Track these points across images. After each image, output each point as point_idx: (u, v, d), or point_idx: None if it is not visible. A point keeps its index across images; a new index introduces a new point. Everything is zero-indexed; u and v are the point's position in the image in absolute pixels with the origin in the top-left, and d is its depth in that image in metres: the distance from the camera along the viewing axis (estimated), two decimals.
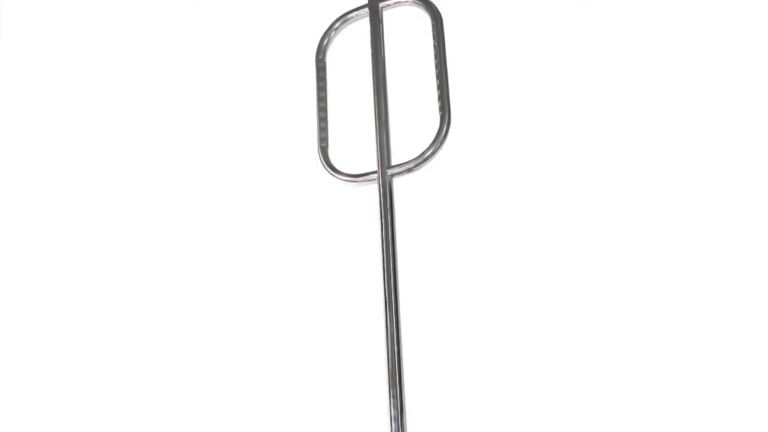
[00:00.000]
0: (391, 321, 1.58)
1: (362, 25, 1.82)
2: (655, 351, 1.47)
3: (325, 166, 1.76)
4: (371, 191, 1.70)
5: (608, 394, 1.48)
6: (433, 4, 1.75)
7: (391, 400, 1.54)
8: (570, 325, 1.53)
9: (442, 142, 1.66)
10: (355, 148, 1.76)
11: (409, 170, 1.68)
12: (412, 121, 1.73)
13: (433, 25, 1.73)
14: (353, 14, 1.85)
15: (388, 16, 1.81)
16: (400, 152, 1.70)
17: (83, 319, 1.86)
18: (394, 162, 1.70)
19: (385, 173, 1.68)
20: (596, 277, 1.54)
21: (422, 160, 1.66)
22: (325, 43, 1.87)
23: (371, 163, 1.71)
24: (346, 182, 1.74)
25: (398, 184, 1.69)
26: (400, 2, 1.81)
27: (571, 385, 1.50)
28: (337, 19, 1.86)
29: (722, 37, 1.57)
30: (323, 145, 1.78)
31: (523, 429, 1.51)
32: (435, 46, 1.72)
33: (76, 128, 2.00)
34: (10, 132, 2.04)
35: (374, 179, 1.69)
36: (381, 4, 1.81)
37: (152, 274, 1.86)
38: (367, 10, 1.82)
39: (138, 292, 1.86)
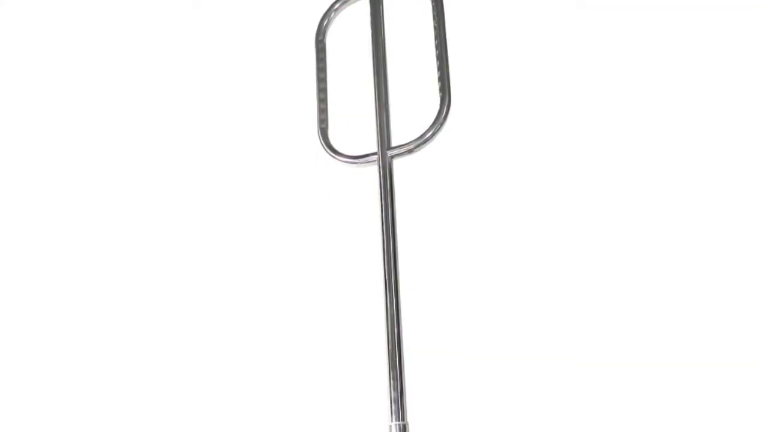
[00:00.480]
0: (391, 303, 1.57)
1: (362, 6, 1.81)
2: (651, 327, 1.47)
3: (325, 147, 1.75)
4: (371, 173, 1.70)
5: (605, 379, 1.48)
6: None
7: (391, 382, 1.53)
8: (569, 309, 1.53)
9: (442, 124, 1.65)
10: (355, 129, 1.76)
11: (409, 151, 1.67)
12: (413, 103, 1.72)
13: (433, 6, 1.72)
14: None
15: None
16: (401, 133, 1.70)
17: (84, 317, 1.86)
18: (394, 143, 1.69)
19: (385, 154, 1.68)
20: (594, 260, 1.54)
21: (422, 141, 1.66)
22: (324, 24, 1.86)
23: (371, 145, 1.70)
24: (346, 164, 1.73)
25: (398, 165, 1.69)
26: None
27: (569, 368, 1.50)
28: (337, 0, 1.85)
29: (721, 36, 1.57)
30: (323, 126, 1.77)
31: (523, 414, 1.51)
32: (435, 27, 1.71)
33: (76, 122, 2.00)
34: (10, 132, 2.04)
35: (374, 161, 1.69)
36: None
37: (152, 252, 1.87)
38: None
39: (136, 267, 1.87)
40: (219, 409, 1.72)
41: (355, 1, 1.84)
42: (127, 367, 1.79)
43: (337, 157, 1.74)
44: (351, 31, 1.83)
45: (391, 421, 1.51)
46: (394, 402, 1.52)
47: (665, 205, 1.53)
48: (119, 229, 1.91)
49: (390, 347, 1.55)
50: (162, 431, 1.73)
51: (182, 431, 1.72)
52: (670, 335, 1.46)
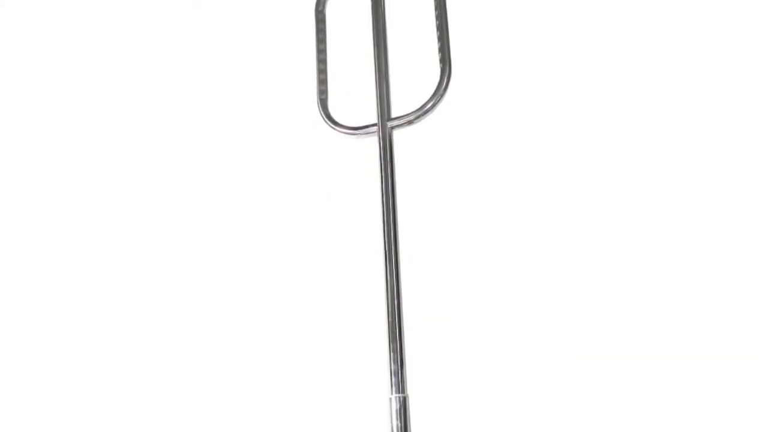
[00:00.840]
0: (391, 275, 1.57)
1: None
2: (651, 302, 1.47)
3: (325, 118, 1.74)
4: (371, 144, 1.69)
5: (605, 348, 1.48)
6: None
7: (391, 354, 1.53)
8: (571, 277, 1.52)
9: (442, 95, 1.64)
10: (355, 100, 1.74)
11: (410, 122, 1.66)
12: (413, 74, 1.71)
13: None
14: None
15: None
16: (401, 105, 1.68)
17: (83, 317, 1.85)
18: (394, 114, 1.68)
19: (385, 126, 1.67)
20: (594, 232, 1.53)
21: (422, 112, 1.64)
22: None
23: (371, 116, 1.69)
24: (346, 135, 1.72)
25: (398, 136, 1.68)
26: None
27: (573, 336, 1.50)
28: None
29: (721, 32, 1.55)
30: (323, 97, 1.76)
31: (525, 389, 1.50)
32: None
33: (74, 117, 1.98)
34: (9, 132, 2.03)
35: (374, 132, 1.68)
36: None
37: (152, 231, 1.86)
38: None
39: (137, 256, 1.85)
40: (219, 386, 1.71)
41: None
42: (127, 364, 1.78)
43: (336, 128, 1.72)
44: (351, 1, 1.82)
45: (392, 393, 1.50)
46: (394, 374, 1.52)
47: (670, 178, 1.52)
48: (113, 205, 1.90)
49: (390, 319, 1.55)
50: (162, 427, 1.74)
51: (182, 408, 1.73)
52: (669, 322, 1.45)
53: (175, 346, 1.76)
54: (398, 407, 1.49)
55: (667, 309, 1.46)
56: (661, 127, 1.54)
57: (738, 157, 1.48)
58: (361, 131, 1.70)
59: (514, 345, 1.53)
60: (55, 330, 1.85)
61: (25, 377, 1.84)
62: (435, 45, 1.68)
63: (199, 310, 1.77)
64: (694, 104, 1.53)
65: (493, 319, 1.55)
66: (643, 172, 1.53)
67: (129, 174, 1.91)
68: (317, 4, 1.83)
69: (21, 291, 1.90)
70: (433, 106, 1.64)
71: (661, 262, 1.48)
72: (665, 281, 1.47)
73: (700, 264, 1.46)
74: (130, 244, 1.86)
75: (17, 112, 2.02)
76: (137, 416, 1.74)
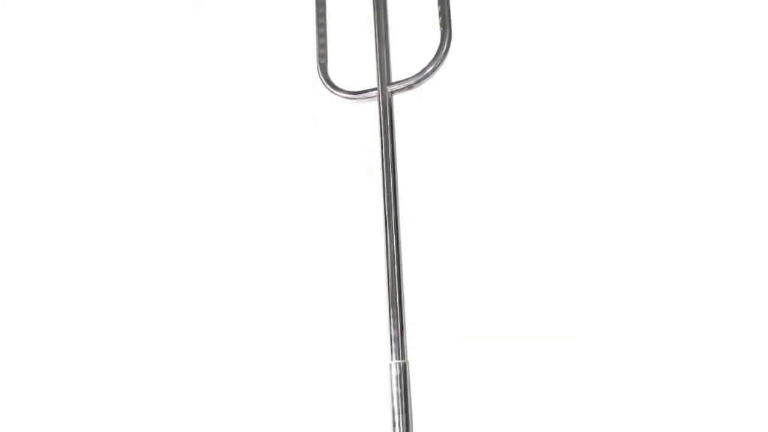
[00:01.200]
0: (391, 240, 1.56)
1: None
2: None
3: (325, 83, 1.73)
4: (371, 108, 1.68)
5: (606, 314, 1.48)
6: None
7: (391, 320, 1.52)
8: (572, 240, 1.51)
9: (442, 60, 1.63)
10: (355, 64, 1.73)
11: (410, 87, 1.65)
12: (413, 38, 1.69)
13: None
14: None
15: None
16: (401, 69, 1.67)
17: (84, 317, 1.84)
18: (394, 79, 1.66)
19: (385, 90, 1.65)
20: (596, 190, 1.52)
21: (423, 77, 1.63)
22: None
23: (371, 80, 1.68)
24: (346, 99, 1.71)
25: (398, 100, 1.67)
26: None
27: (575, 299, 1.49)
28: None
29: (721, 32, 1.53)
30: (322, 62, 1.75)
31: (524, 354, 1.50)
32: None
33: (74, 117, 1.97)
34: (9, 132, 2.01)
35: (374, 96, 1.66)
36: None
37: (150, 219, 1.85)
38: None
39: (129, 235, 1.85)
40: (220, 349, 1.72)
41: None
42: (129, 365, 1.78)
43: (336, 92, 1.71)
44: None
45: (392, 359, 1.50)
46: (395, 340, 1.52)
47: (675, 166, 1.50)
48: (110, 190, 1.90)
49: (390, 285, 1.54)
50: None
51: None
52: (670, 308, 1.45)
53: (175, 315, 1.77)
54: (398, 373, 1.49)
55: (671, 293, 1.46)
56: (666, 98, 1.52)
57: (737, 150, 1.47)
58: (360, 96, 1.69)
59: (514, 312, 1.52)
60: (54, 330, 1.85)
61: (25, 377, 1.84)
62: (435, 9, 1.66)
63: (199, 271, 1.77)
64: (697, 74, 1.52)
65: (493, 285, 1.55)
66: (649, 144, 1.52)
67: (125, 147, 1.91)
68: None
69: (21, 291, 1.90)
70: (434, 70, 1.63)
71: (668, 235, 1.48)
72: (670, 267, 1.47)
73: (697, 258, 1.45)
74: (122, 224, 1.86)
75: (17, 112, 2.01)
76: (132, 415, 1.75)
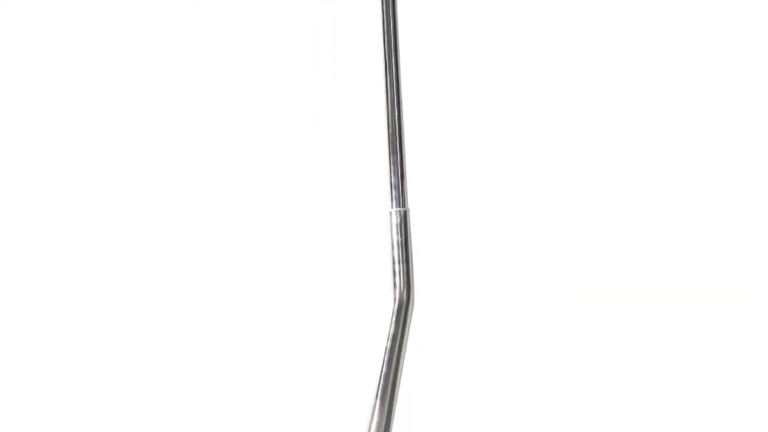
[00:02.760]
0: (392, 84, 1.51)
1: None
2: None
3: None
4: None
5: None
6: None
7: (392, 167, 1.50)
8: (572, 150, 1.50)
9: None
10: None
11: None
12: None
13: None
14: None
15: None
16: None
17: (84, 317, 1.83)
18: None
19: None
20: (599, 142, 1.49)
21: None
22: None
23: None
24: None
25: None
26: None
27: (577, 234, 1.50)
28: None
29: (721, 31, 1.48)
30: None
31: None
32: None
33: (74, 116, 1.91)
34: (9, 132, 1.94)
35: None
36: None
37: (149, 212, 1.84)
38: None
39: (128, 232, 1.84)
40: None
41: None
42: (130, 364, 1.79)
43: None
44: None
45: (392, 207, 1.49)
46: (395, 188, 1.50)
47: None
48: (110, 191, 1.88)
49: (390, 130, 1.51)
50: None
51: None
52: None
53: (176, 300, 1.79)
54: (399, 221, 1.48)
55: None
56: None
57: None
58: None
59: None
60: (53, 329, 1.84)
61: (25, 377, 1.85)
62: None
63: (200, 242, 1.79)
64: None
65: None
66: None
67: (125, 147, 1.89)
68: None
69: (21, 291, 1.88)
70: None
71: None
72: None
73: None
74: (122, 223, 1.86)
75: (17, 111, 1.94)
76: (134, 414, 1.78)
